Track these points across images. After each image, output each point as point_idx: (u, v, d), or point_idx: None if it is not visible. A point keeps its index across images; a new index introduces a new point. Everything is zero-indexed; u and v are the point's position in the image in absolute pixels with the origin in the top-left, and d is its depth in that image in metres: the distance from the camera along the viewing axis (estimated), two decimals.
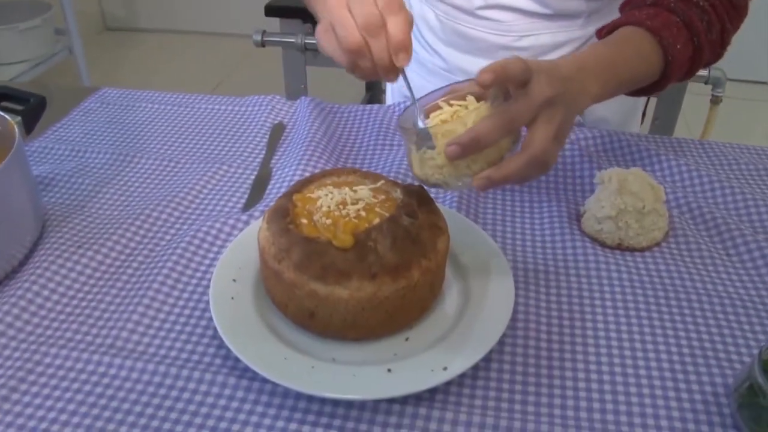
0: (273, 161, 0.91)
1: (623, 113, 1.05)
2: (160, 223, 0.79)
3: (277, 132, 0.97)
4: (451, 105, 0.61)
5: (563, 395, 0.58)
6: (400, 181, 0.84)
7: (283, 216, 0.62)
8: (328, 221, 0.60)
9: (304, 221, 0.61)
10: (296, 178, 0.84)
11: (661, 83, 0.79)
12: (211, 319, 0.65)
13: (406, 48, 0.57)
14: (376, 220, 0.61)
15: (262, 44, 1.60)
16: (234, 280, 0.66)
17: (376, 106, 1.03)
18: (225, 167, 0.89)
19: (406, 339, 0.62)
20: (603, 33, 0.78)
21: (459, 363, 0.57)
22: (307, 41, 1.56)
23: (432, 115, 0.61)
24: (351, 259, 0.58)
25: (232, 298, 0.64)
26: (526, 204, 0.83)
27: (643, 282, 0.70)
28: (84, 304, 0.68)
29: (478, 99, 0.60)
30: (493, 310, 0.63)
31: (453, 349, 0.59)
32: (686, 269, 0.72)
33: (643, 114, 1.15)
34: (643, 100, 1.07)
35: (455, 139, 0.55)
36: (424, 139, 0.58)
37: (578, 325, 0.65)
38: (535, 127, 0.58)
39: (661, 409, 0.57)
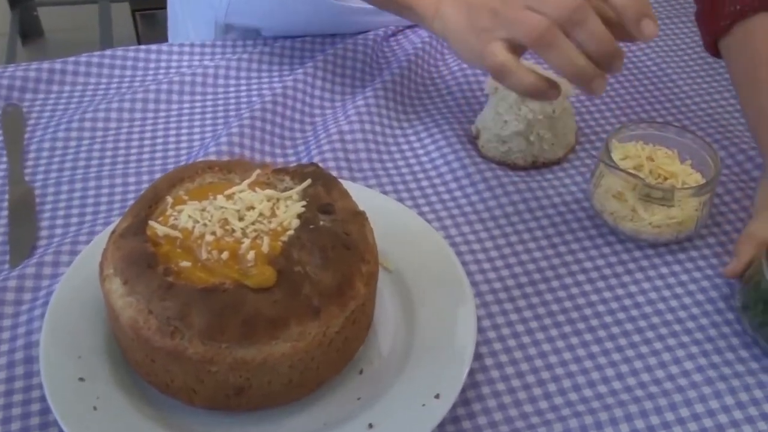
0: (27, 171, 0.76)
1: None
2: None
3: (14, 122, 0.81)
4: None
5: (562, 361, 0.60)
6: (272, 160, 0.76)
7: (149, 265, 0.52)
8: (224, 255, 0.53)
9: (187, 264, 0.52)
10: (90, 192, 0.73)
11: None
12: None
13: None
14: (288, 233, 0.54)
15: None
16: (82, 379, 0.55)
17: (142, 49, 0.91)
18: None
19: (360, 372, 0.59)
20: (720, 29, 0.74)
21: (450, 383, 0.56)
22: None
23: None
24: (281, 300, 0.51)
25: (95, 408, 0.54)
26: (402, 141, 0.81)
27: (579, 200, 0.74)
28: None
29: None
30: (447, 301, 0.61)
31: (428, 367, 0.57)
32: None
33: None
34: None
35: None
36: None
37: (538, 278, 0.67)
38: None
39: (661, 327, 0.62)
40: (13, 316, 0.62)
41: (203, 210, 0.55)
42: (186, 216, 0.55)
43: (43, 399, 0.56)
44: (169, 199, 0.57)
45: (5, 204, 0.72)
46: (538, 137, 0.76)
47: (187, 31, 1.03)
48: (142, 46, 0.91)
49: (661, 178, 0.70)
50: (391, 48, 0.93)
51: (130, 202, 0.72)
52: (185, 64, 0.90)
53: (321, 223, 0.55)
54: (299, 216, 0.55)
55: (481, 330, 0.63)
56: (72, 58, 0.88)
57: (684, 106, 0.86)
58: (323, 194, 0.58)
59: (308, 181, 0.58)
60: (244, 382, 0.52)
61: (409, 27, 0.95)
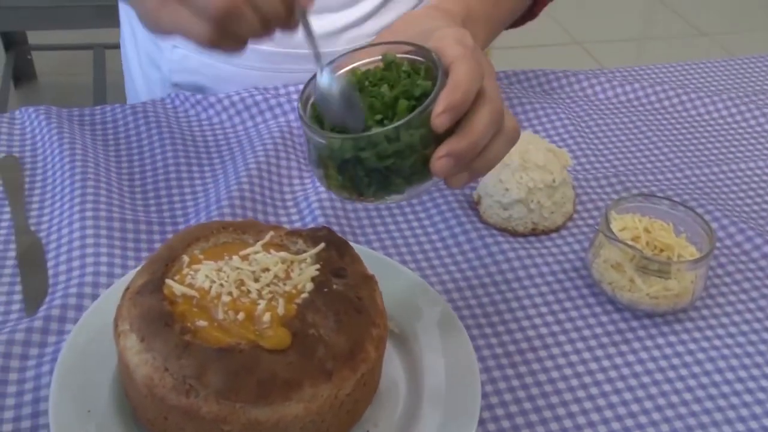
0: (33, 221, 0.77)
1: None
2: None
3: (13, 171, 0.82)
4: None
5: (563, 429, 0.62)
6: (275, 220, 0.79)
7: (166, 323, 0.54)
8: (241, 315, 0.54)
9: (203, 323, 0.54)
10: (89, 241, 0.73)
11: (534, 10, 0.87)
12: None
13: None
14: (303, 296, 0.56)
15: None
16: None
17: (138, 106, 0.93)
18: None
19: None
20: None
21: None
22: None
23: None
24: (295, 361, 0.53)
25: None
26: (404, 204, 0.83)
27: (578, 269, 0.77)
28: None
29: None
30: (452, 365, 0.63)
31: (436, 426, 0.59)
32: None
33: None
34: None
35: (447, 150, 0.53)
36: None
37: (539, 345, 0.69)
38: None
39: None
40: (20, 370, 0.63)
41: (219, 270, 0.57)
42: (203, 276, 0.56)
43: None
44: (185, 258, 0.59)
45: (11, 254, 0.73)
46: (538, 205, 0.79)
47: (137, 91, 1.08)
48: (139, 104, 0.93)
49: (657, 250, 0.73)
50: None
51: (130, 253, 0.74)
52: (173, 117, 0.92)
53: (334, 286, 0.57)
54: (313, 279, 0.57)
55: (483, 395, 0.64)
56: (66, 110, 0.91)
57: (675, 179, 0.90)
58: (336, 258, 0.60)
59: (322, 245, 0.60)
60: None
61: None
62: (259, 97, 0.93)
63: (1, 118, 0.89)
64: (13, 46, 2.28)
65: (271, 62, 0.98)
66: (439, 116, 0.52)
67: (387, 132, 0.52)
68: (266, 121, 0.92)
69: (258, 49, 0.96)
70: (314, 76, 0.57)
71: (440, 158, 0.52)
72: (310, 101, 0.57)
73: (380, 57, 0.58)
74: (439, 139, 0.53)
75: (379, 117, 0.54)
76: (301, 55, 0.97)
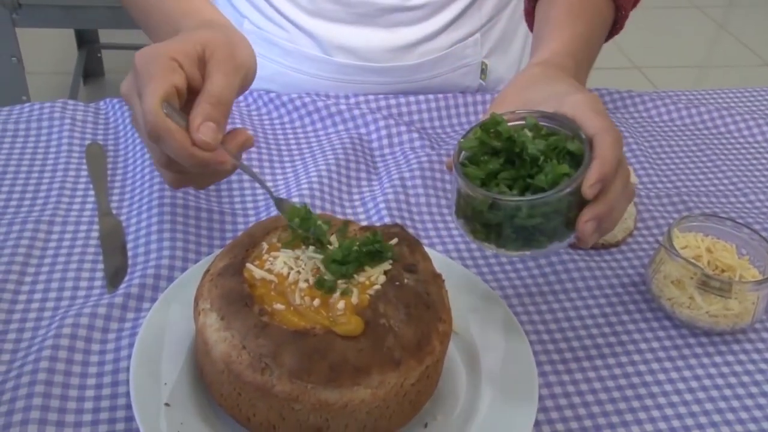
0: (114, 204, 0.81)
1: (512, 64, 1.13)
2: None
3: (97, 158, 0.87)
4: None
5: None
6: (342, 214, 0.82)
7: (245, 304, 0.57)
8: (316, 302, 0.57)
9: (280, 306, 0.57)
10: (166, 226, 0.77)
11: (608, 35, 0.89)
12: None
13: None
14: (375, 288, 0.59)
15: None
16: (167, 404, 0.59)
17: None
18: (44, 226, 0.77)
19: (425, 426, 0.62)
20: None
21: None
22: None
23: None
24: (366, 349, 0.56)
25: None
26: None
27: (636, 284, 0.78)
28: None
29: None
30: (510, 368, 0.65)
31: (493, 423, 0.61)
32: None
33: None
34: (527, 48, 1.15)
35: (592, 214, 0.59)
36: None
37: (595, 354, 0.71)
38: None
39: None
40: (101, 342, 0.66)
41: (297, 258, 0.60)
42: (282, 262, 0.59)
43: (127, 419, 0.60)
44: (265, 245, 0.62)
45: (94, 234, 0.77)
46: None
47: None
48: None
49: (718, 270, 0.74)
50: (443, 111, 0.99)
51: (203, 240, 0.77)
52: (246, 114, 0.96)
53: (405, 281, 0.60)
54: (386, 272, 0.60)
55: (539, 398, 0.66)
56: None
57: (739, 203, 0.91)
58: (407, 254, 0.62)
59: (395, 240, 0.62)
60: (323, 423, 0.56)
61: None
62: (330, 101, 0.97)
63: (87, 108, 0.94)
64: (85, 44, 2.37)
65: (343, 73, 1.01)
66: (592, 186, 0.58)
67: (543, 198, 0.58)
68: (335, 125, 0.95)
69: (331, 60, 0.99)
70: (465, 135, 0.63)
71: (586, 221, 0.59)
72: (461, 157, 0.63)
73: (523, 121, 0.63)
74: (580, 203, 0.59)
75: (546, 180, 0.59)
76: (373, 69, 1.00)
